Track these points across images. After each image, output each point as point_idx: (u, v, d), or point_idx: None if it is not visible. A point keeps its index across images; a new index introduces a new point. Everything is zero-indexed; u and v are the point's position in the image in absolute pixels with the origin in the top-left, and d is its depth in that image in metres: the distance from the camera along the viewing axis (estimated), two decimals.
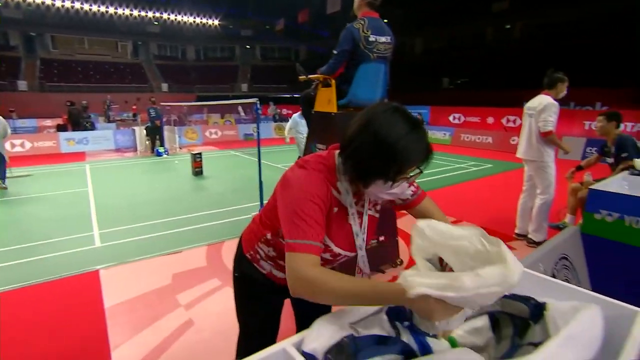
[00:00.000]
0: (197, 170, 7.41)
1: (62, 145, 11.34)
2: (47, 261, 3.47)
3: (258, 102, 4.57)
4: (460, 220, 4.43)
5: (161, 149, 10.37)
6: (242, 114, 19.50)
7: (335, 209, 0.95)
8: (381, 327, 0.82)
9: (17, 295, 2.84)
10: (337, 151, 0.94)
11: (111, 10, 27.92)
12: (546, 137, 3.34)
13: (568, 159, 5.94)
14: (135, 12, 28.93)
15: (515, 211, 3.85)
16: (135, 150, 11.11)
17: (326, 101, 2.81)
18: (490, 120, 13.20)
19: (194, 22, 31.76)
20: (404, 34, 22.66)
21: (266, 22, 31.93)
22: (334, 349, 0.75)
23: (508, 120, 12.46)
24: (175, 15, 30.70)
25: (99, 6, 27.36)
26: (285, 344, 0.78)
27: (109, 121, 16.03)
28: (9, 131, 6.76)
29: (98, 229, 4.29)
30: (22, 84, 23.02)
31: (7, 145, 10.50)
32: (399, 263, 3.22)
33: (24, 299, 2.80)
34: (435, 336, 0.78)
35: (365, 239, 1.02)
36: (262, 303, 1.24)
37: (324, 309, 0.98)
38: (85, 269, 3.24)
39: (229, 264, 3.34)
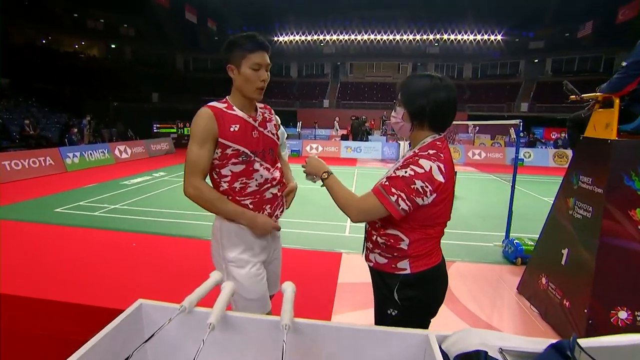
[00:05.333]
0: None
1: (342, 151, 14.62)
2: (310, 235, 4.82)
3: (521, 123, 4.34)
4: None
5: None
6: (514, 136, 18.10)
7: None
8: None
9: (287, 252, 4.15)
10: None
11: (397, 37, 32.93)
12: None
13: None
14: (418, 37, 32.66)
15: None
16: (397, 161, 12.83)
17: (603, 125, 2.41)
18: None
19: (474, 39, 32.15)
20: None
21: (564, 29, 27.88)
22: (464, 355, 0.82)
23: None
24: (455, 35, 32.20)
25: (387, 35, 33.01)
26: (430, 333, 0.90)
27: (383, 134, 19.04)
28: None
29: (349, 222, 5.42)
30: (325, 102, 31.11)
31: (307, 148, 14.58)
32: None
33: (287, 255, 4.06)
34: None
35: None
36: None
37: None
38: (334, 249, 4.28)
39: (453, 284, 3.46)
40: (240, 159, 1.49)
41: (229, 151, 1.47)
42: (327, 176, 1.37)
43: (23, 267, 3.63)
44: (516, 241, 4.07)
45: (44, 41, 25.32)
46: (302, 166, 1.47)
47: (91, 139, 13.26)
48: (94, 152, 11.07)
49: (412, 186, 1.18)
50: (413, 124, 1.29)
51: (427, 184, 1.18)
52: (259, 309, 1.56)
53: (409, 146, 1.41)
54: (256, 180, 1.53)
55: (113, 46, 28.88)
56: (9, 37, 22.09)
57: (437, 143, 1.26)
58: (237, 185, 1.51)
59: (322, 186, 1.41)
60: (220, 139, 1.46)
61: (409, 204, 1.19)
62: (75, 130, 12.00)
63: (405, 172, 1.20)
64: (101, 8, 26.25)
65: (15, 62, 19.80)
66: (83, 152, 10.65)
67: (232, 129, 1.47)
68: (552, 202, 2.91)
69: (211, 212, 1.52)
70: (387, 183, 1.23)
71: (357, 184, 8.68)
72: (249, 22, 31.65)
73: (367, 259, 1.43)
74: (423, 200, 1.20)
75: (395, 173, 1.23)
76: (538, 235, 4.67)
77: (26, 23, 22.92)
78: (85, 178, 8.84)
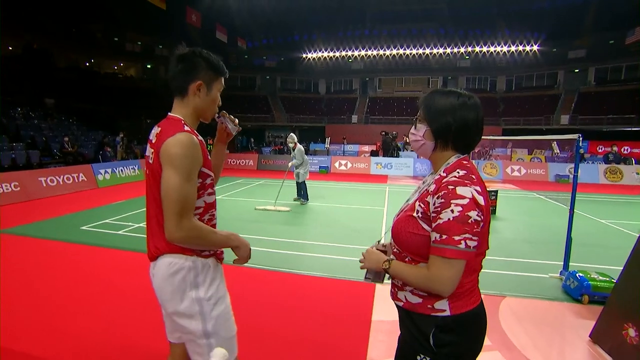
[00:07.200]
0: (490, 209, 7.15)
1: (372, 168, 14.17)
2: (339, 261, 4.38)
3: (580, 137, 3.83)
4: None
5: None
6: (557, 151, 16.97)
7: None
8: None
9: (302, 280, 3.76)
10: None
11: (427, 51, 32.41)
12: None
13: None
14: (448, 50, 31.97)
15: None
16: None
17: None
18: None
19: (508, 51, 31.10)
20: None
21: (609, 36, 26.41)
22: None
23: None
24: (487, 47, 31.28)
25: (416, 49, 32.55)
26: None
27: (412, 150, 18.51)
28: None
29: None
30: (354, 118, 30.87)
31: (336, 164, 14.26)
32: None
33: (311, 284, 3.67)
34: None
35: None
36: None
37: None
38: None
39: (506, 325, 2.95)
40: (214, 188, 1.43)
41: (208, 180, 1.37)
42: (388, 265, 1.21)
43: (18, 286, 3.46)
44: (579, 274, 3.49)
45: (87, 64, 26.82)
46: (360, 261, 1.34)
47: (124, 156, 13.55)
48: (125, 168, 11.24)
49: (470, 221, 1.04)
50: (437, 143, 1.18)
51: (478, 210, 1.06)
52: (234, 346, 1.45)
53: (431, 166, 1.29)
54: (215, 209, 1.47)
55: (149, 66, 30.16)
56: (56, 60, 23.51)
57: (464, 162, 1.15)
58: (206, 217, 1.39)
59: (388, 278, 1.27)
60: (202, 168, 1.33)
61: (475, 238, 1.06)
62: (109, 148, 12.28)
63: (452, 211, 1.04)
64: (139, 31, 27.63)
65: (60, 83, 20.97)
66: (114, 169, 10.83)
67: (209, 156, 1.41)
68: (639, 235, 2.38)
69: (202, 248, 1.36)
70: (445, 237, 1.05)
71: (389, 204, 8.19)
72: (276, 38, 32.27)
73: (395, 297, 1.26)
74: (479, 227, 1.07)
75: (441, 217, 1.06)
76: (604, 267, 4.08)
77: (71, 48, 24.41)
78: (115, 194, 8.90)
